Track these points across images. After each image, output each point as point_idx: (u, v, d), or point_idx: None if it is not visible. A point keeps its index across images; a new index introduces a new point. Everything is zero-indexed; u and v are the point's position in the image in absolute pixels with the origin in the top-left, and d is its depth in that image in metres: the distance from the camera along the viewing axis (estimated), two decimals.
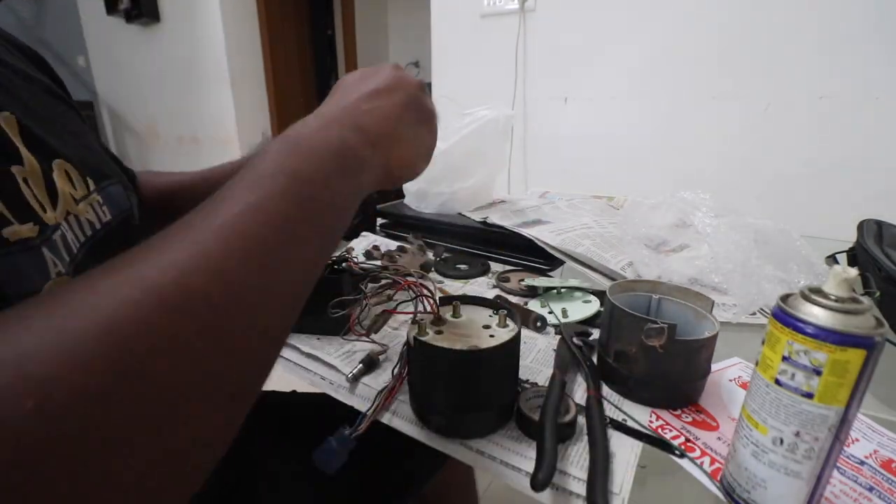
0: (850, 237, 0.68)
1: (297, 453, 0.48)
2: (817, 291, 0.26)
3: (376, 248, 0.73)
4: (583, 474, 0.31)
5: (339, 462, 0.37)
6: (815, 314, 0.25)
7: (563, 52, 1.48)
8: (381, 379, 0.42)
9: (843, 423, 0.25)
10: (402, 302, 0.48)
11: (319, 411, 0.50)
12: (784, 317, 0.26)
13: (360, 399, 0.41)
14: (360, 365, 0.43)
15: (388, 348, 0.46)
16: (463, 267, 0.68)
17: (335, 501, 0.50)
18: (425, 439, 0.36)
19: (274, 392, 0.64)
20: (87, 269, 0.19)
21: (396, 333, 0.50)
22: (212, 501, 0.45)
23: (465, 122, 0.84)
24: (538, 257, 0.69)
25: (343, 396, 0.41)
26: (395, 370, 0.41)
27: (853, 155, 1.15)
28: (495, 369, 0.35)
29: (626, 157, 1.46)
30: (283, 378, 0.44)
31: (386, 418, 0.38)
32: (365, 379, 0.42)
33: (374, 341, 0.47)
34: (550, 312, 0.53)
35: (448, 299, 0.41)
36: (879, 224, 0.66)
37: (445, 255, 0.74)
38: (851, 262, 0.64)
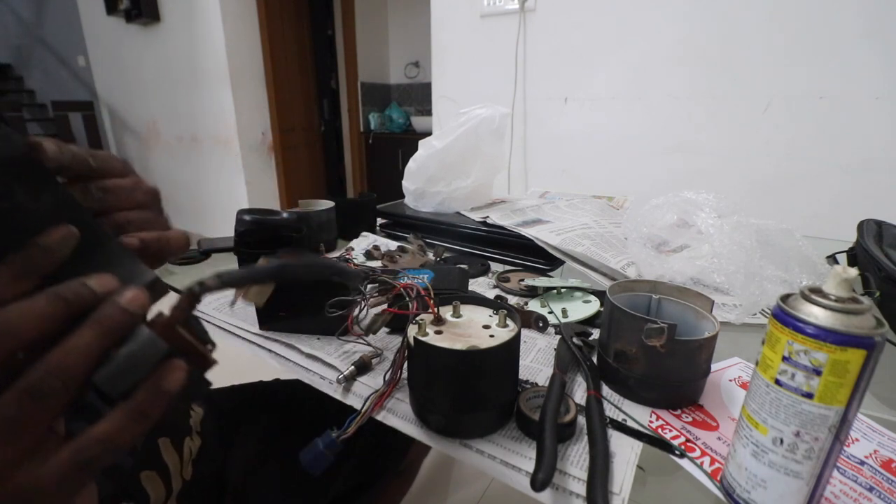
0: (850, 237, 0.68)
1: (290, 442, 0.47)
2: (817, 291, 0.26)
3: (376, 248, 0.73)
4: (583, 474, 0.31)
5: (324, 464, 0.37)
6: (815, 314, 0.25)
7: (562, 52, 1.48)
8: (379, 380, 0.42)
9: (843, 423, 0.25)
10: (402, 302, 0.48)
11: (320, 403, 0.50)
12: (784, 317, 0.26)
13: (358, 398, 0.41)
14: (353, 367, 0.43)
15: (382, 352, 0.46)
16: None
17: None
18: (425, 439, 0.36)
19: (278, 380, 0.65)
20: None
21: (395, 336, 0.50)
22: (201, 486, 0.45)
23: (460, 121, 0.84)
24: (538, 257, 0.69)
25: (342, 395, 0.41)
26: (388, 375, 0.41)
27: (853, 155, 1.15)
28: (495, 369, 0.35)
29: (626, 157, 1.46)
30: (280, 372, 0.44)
31: (384, 417, 0.38)
32: (363, 378, 0.42)
33: (368, 343, 0.47)
34: (550, 312, 0.53)
35: (448, 299, 0.41)
36: (879, 224, 0.66)
37: (446, 255, 0.74)
38: (851, 262, 0.64)
